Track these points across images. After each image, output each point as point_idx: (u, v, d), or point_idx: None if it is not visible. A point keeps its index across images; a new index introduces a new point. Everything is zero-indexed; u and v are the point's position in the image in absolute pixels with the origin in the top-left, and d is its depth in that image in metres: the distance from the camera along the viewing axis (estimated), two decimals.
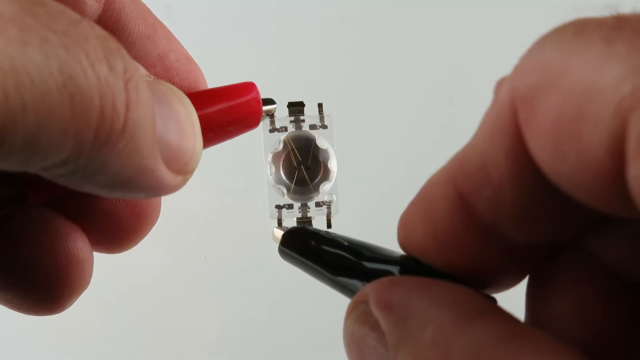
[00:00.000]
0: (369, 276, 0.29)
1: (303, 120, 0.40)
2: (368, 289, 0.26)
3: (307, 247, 0.34)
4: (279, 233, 0.37)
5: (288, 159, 0.41)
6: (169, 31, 0.36)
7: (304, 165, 0.41)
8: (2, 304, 0.33)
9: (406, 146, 0.70)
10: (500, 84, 0.24)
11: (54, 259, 0.33)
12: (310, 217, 0.42)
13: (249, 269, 0.67)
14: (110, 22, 0.34)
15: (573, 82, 0.21)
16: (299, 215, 0.42)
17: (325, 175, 0.42)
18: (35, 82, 0.21)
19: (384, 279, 0.26)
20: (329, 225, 0.42)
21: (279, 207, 0.42)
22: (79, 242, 0.33)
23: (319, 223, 0.42)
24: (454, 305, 0.23)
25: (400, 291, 0.25)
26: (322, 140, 0.41)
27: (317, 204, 0.42)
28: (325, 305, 0.69)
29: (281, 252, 0.36)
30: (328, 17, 0.75)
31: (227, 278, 0.69)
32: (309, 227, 0.38)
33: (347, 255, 0.31)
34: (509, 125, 0.23)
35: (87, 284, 0.34)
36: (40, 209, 0.33)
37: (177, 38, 0.36)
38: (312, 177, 0.42)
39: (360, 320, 0.25)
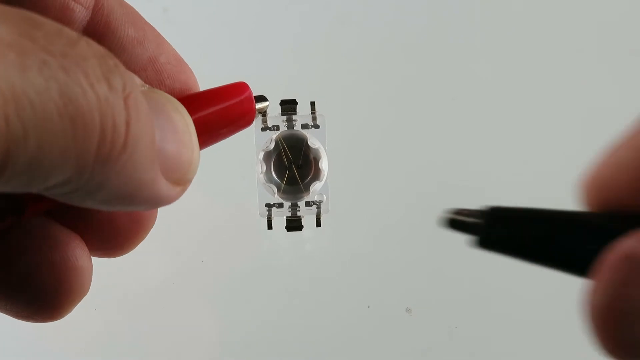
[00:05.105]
0: (597, 240, 0.27)
1: (295, 120, 0.41)
2: (635, 243, 0.25)
3: (515, 243, 0.30)
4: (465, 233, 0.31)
5: (279, 158, 0.41)
6: (158, 33, 0.36)
7: (295, 164, 0.42)
8: (1, 312, 0.32)
9: (398, 147, 0.70)
10: None
11: (53, 268, 0.33)
12: (299, 217, 0.42)
13: (247, 273, 0.67)
14: (99, 28, 0.34)
15: None
16: (289, 214, 0.42)
17: (316, 175, 0.42)
18: (35, 107, 0.21)
19: None
20: (318, 225, 0.43)
21: (269, 205, 0.42)
22: (78, 250, 0.33)
23: (308, 222, 0.42)
24: None
25: None
26: (313, 139, 0.41)
27: (307, 204, 0.42)
28: (324, 308, 0.69)
29: (479, 247, 0.30)
30: (325, 16, 0.76)
31: (225, 282, 0.69)
32: (500, 220, 0.31)
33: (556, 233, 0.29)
34: None
35: (86, 291, 0.34)
36: (38, 218, 0.33)
37: (175, 41, 0.36)
38: (303, 176, 0.42)
39: (629, 278, 0.24)
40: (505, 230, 0.29)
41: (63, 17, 0.33)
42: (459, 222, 0.31)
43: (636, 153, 0.27)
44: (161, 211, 0.35)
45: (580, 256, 0.28)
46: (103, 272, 0.37)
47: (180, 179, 0.28)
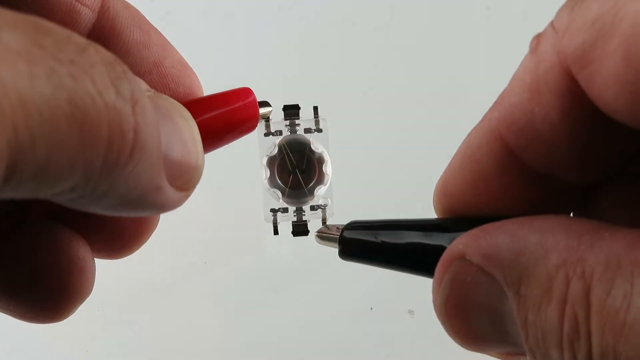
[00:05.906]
0: (440, 242, 0.29)
1: (298, 124, 0.41)
2: (460, 245, 0.26)
3: (368, 249, 0.32)
4: (332, 245, 0.34)
5: (283, 163, 0.42)
6: (163, 37, 0.36)
7: (298, 169, 0.42)
8: (6, 313, 0.32)
9: (401, 149, 0.70)
10: (537, 44, 0.25)
11: (57, 269, 0.33)
12: (305, 221, 0.42)
13: (249, 274, 0.67)
14: (105, 31, 0.34)
15: (631, 24, 0.21)
16: (294, 219, 0.42)
17: (320, 179, 0.42)
18: (44, 115, 0.21)
19: (472, 231, 0.26)
20: None
21: (274, 210, 0.42)
22: (82, 251, 0.33)
23: (314, 226, 0.42)
24: (568, 229, 0.23)
25: (500, 234, 0.25)
26: (317, 144, 0.41)
27: (312, 208, 0.42)
28: (327, 310, 0.69)
29: (341, 257, 0.33)
30: (326, 21, 0.76)
31: (227, 283, 0.69)
32: (356, 232, 0.33)
33: (402, 241, 0.30)
34: (561, 85, 0.24)
35: (89, 292, 0.34)
36: (42, 219, 0.33)
37: (177, 43, 0.36)
38: (307, 180, 0.42)
39: (458, 277, 0.26)
40: (359, 240, 0.32)
41: (69, 20, 0.33)
42: (324, 235, 0.34)
43: (464, 161, 0.28)
44: (164, 214, 0.36)
45: (426, 259, 0.29)
46: (106, 273, 0.37)
47: (185, 185, 0.28)
